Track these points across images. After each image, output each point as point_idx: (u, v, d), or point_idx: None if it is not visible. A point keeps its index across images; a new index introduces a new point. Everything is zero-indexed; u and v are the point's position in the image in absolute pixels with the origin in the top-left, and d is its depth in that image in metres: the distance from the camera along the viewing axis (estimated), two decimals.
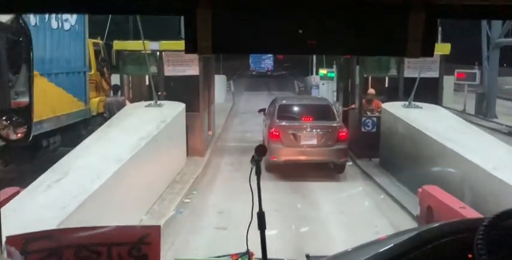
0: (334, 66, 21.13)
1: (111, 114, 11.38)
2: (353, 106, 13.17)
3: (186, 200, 9.09)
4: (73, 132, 11.38)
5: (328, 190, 10.09)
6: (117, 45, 12.53)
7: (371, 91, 12.65)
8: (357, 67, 12.83)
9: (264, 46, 1.40)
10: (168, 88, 12.40)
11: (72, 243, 1.89)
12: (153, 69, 12.05)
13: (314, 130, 10.67)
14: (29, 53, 1.65)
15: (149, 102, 11.14)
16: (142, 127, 8.94)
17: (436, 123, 9.59)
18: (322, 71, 21.37)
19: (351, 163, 11.63)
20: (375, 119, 12.27)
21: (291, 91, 32.49)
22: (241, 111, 22.36)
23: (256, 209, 2.03)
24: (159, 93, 11.84)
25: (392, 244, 1.73)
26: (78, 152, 7.32)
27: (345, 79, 14.39)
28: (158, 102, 11.09)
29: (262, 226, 2.02)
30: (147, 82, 13.13)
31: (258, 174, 2.03)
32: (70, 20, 10.84)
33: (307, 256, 2.24)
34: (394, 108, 11.28)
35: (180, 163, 10.96)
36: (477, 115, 19.82)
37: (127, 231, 1.98)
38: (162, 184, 9.31)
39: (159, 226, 2.03)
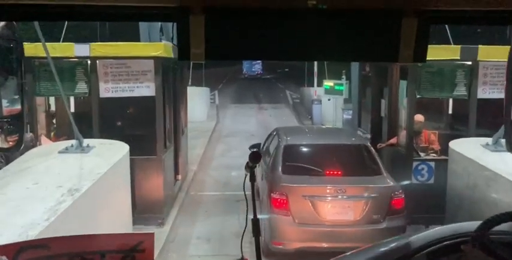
0: (343, 77, 16.76)
1: (9, 161, 6.98)
2: (392, 141, 8.73)
3: None
4: None
5: None
6: (30, 49, 7.87)
7: (419, 117, 8.25)
8: (402, 82, 8.40)
9: (257, 52, 1.39)
10: (106, 119, 7.87)
11: (65, 251, 1.89)
12: (82, 87, 7.54)
13: (348, 196, 6.17)
14: (20, 60, 1.61)
15: (69, 143, 6.67)
16: (19, 213, 4.44)
17: None
18: (328, 83, 16.89)
19: None
20: (432, 164, 7.88)
21: (284, 104, 28.56)
22: (226, 133, 17.90)
23: (250, 216, 1.96)
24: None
25: (385, 251, 1.78)
26: None
27: (374, 98, 9.91)
28: (86, 142, 6.64)
29: (256, 232, 1.97)
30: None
31: (252, 181, 1.98)
32: None
33: None
34: (471, 149, 6.97)
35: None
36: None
37: (121, 239, 1.99)
38: None
39: (153, 233, 2.03)
